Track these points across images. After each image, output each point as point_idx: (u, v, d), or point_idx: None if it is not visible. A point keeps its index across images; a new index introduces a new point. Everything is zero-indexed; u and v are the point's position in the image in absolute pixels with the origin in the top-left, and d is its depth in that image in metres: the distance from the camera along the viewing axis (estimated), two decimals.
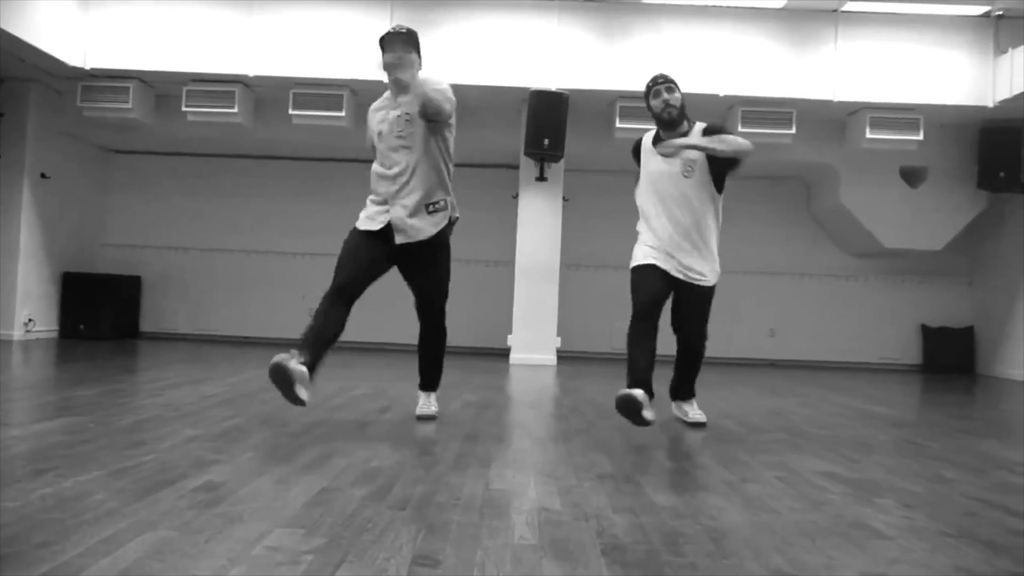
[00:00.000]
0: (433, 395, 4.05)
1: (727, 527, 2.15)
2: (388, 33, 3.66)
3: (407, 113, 3.66)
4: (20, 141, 7.75)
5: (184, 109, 7.51)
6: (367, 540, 1.89)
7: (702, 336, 3.98)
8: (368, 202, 3.86)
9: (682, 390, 4.15)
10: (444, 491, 2.41)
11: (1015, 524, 2.30)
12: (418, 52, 3.69)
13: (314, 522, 2.02)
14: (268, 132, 8.06)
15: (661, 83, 3.89)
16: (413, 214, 3.67)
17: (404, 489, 2.41)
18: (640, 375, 3.62)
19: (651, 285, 3.81)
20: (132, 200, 9.26)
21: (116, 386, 4.74)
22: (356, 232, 3.81)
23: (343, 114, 7.47)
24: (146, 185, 9.26)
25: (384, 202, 3.74)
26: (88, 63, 7.29)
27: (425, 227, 3.70)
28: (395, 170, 3.70)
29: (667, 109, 3.83)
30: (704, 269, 3.85)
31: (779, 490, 2.63)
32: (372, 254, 3.73)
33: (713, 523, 2.18)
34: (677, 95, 3.86)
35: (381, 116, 3.79)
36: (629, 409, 3.43)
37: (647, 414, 3.44)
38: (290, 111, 7.49)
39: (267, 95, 7.84)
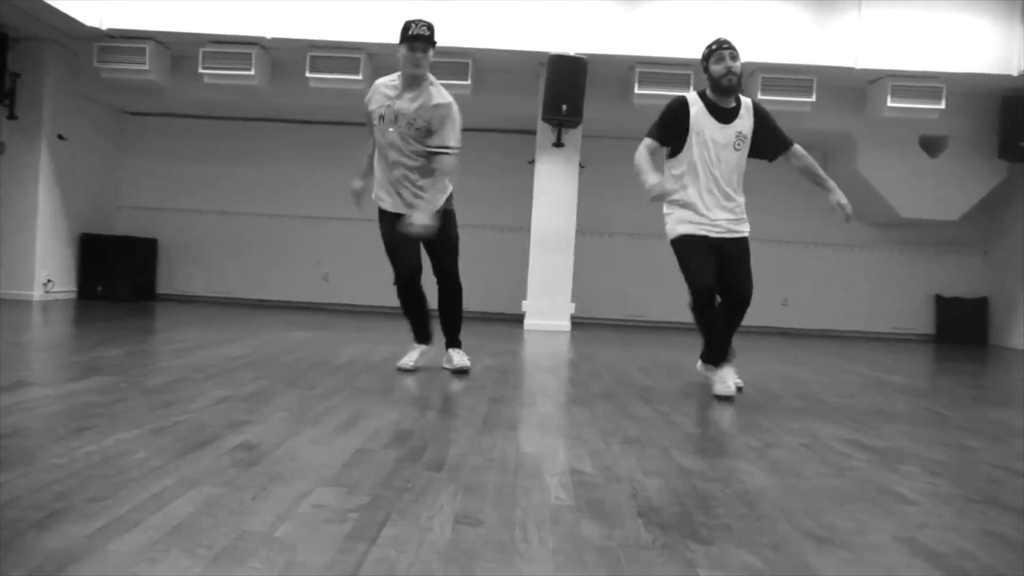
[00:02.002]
0: (461, 350, 4.39)
1: (756, 491, 2.19)
2: (416, 34, 3.90)
3: (416, 121, 3.96)
4: (37, 102, 7.75)
5: (201, 71, 7.49)
6: (408, 500, 1.94)
7: (751, 285, 4.04)
8: (379, 179, 4.19)
9: (725, 350, 4.07)
10: (476, 453, 2.46)
11: None
12: (434, 45, 4.00)
13: (355, 481, 2.07)
14: (285, 95, 8.04)
15: (726, 48, 3.84)
16: (417, 197, 4.05)
17: (438, 451, 2.46)
18: (723, 352, 4.03)
19: (706, 266, 3.87)
20: (148, 163, 9.27)
21: (139, 347, 4.81)
22: (383, 216, 4.17)
23: (360, 77, 7.44)
24: (162, 148, 9.27)
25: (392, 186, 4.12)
26: (104, 23, 7.26)
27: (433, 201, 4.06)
28: (398, 171, 4.06)
29: (728, 76, 3.81)
30: (742, 224, 4.03)
31: (804, 456, 2.67)
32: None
33: (742, 487, 2.22)
34: (739, 63, 3.85)
35: (386, 103, 4.04)
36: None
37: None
38: (307, 74, 7.47)
39: (284, 58, 7.80)
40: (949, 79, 7.35)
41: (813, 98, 7.41)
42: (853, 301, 9.09)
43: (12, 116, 7.63)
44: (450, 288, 4.28)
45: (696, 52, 7.23)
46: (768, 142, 4.00)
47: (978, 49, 7.23)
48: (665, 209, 4.05)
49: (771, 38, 7.25)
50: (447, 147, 3.99)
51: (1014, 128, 7.62)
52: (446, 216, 4.11)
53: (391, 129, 4.02)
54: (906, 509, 2.09)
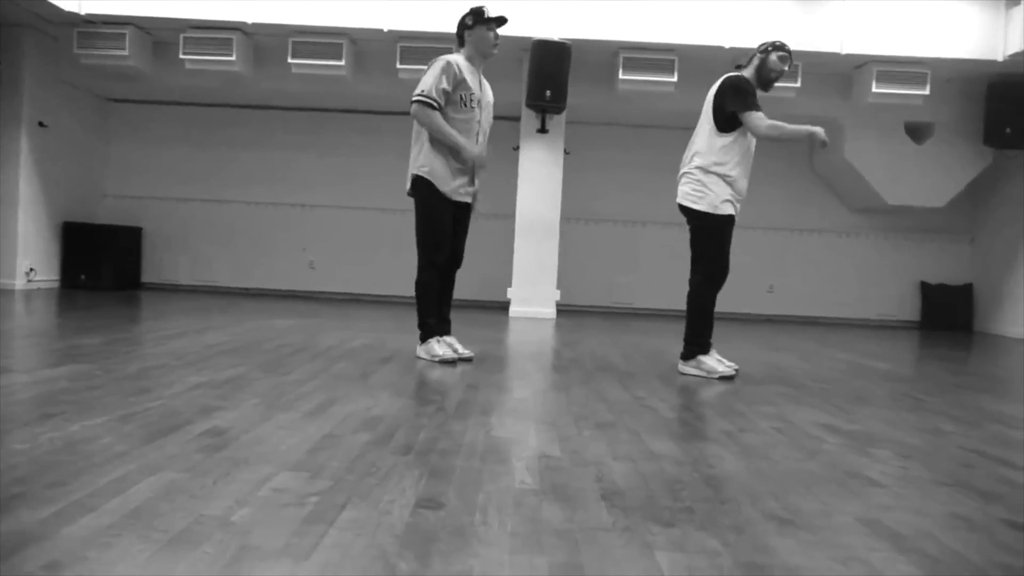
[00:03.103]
0: None
1: (724, 474, 2.18)
2: (499, 16, 4.19)
3: (488, 100, 4.26)
4: (17, 89, 7.67)
5: (182, 57, 7.42)
6: (371, 483, 1.92)
7: None
8: (448, 165, 4.13)
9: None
10: (446, 438, 2.45)
11: (1009, 474, 2.34)
12: None
13: (319, 466, 2.06)
14: (267, 81, 7.98)
15: (791, 54, 4.11)
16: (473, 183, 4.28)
17: (407, 435, 2.45)
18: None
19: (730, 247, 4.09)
20: (132, 150, 9.20)
21: (120, 335, 4.77)
22: (446, 204, 4.16)
23: (343, 63, 7.39)
24: (146, 135, 9.19)
25: (465, 171, 4.19)
26: (83, 8, 7.18)
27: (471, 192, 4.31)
28: (479, 144, 4.18)
29: (780, 77, 4.10)
30: None
31: (776, 440, 2.67)
32: (455, 225, 4.27)
33: (711, 471, 2.22)
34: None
35: (474, 83, 4.13)
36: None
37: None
38: (289, 60, 7.40)
39: (266, 43, 7.73)
40: (934, 64, 7.34)
41: (799, 83, 7.39)
42: (839, 288, 9.10)
43: None
44: (455, 272, 4.39)
45: (681, 38, 7.29)
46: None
47: (963, 34, 7.22)
48: (703, 178, 4.04)
49: (756, 24, 7.22)
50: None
51: (999, 114, 7.62)
52: (470, 211, 4.35)
53: (477, 109, 4.14)
54: (873, 492, 2.09)
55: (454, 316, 4.56)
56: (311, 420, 2.61)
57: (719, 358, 4.14)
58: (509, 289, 7.91)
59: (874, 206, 8.68)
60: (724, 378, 4.01)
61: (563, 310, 8.18)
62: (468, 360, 4.24)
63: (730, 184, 4.02)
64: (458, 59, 4.12)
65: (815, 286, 9.12)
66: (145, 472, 1.93)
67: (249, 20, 7.25)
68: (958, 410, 3.50)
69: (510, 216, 8.05)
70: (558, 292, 7.89)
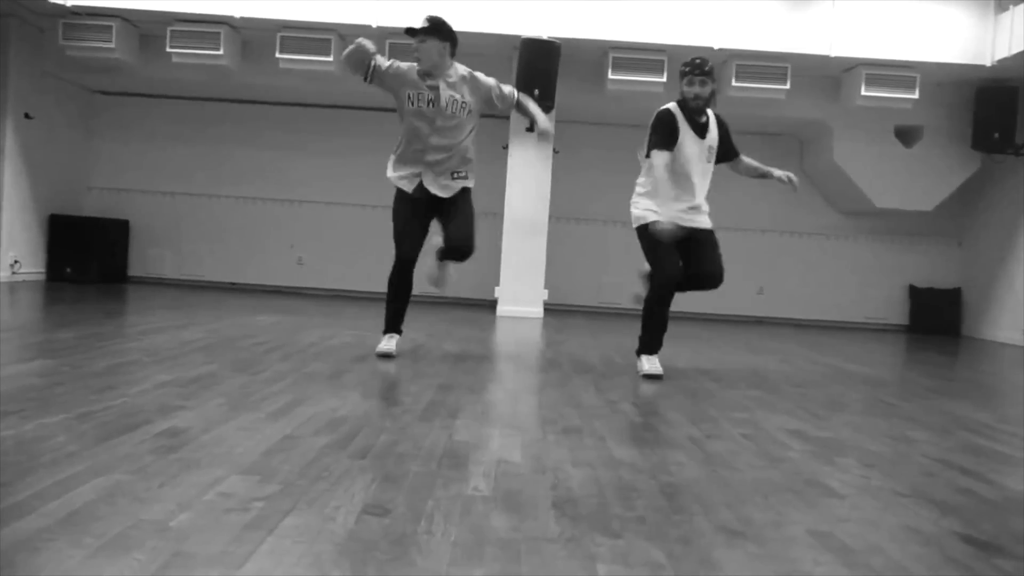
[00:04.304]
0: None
1: (682, 483, 2.17)
2: (410, 28, 4.18)
3: (461, 98, 4.17)
4: (2, 80, 7.62)
5: (169, 50, 7.38)
6: (320, 488, 1.90)
7: (721, 265, 4.27)
8: (399, 161, 4.27)
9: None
10: (407, 441, 2.43)
11: (969, 484, 2.33)
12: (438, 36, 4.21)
13: (271, 469, 2.04)
14: (255, 76, 7.94)
15: (698, 75, 4.09)
16: (440, 178, 4.25)
17: (367, 438, 2.43)
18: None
19: (674, 257, 4.13)
20: (118, 143, 9.15)
21: (97, 329, 4.74)
22: (403, 199, 4.25)
23: (331, 59, 7.35)
24: (132, 128, 9.14)
25: (414, 161, 4.23)
26: (69, 0, 7.13)
27: (451, 186, 4.29)
28: (437, 145, 4.19)
29: (697, 100, 4.11)
30: (706, 219, 4.31)
31: (742, 447, 2.65)
32: (421, 221, 4.28)
33: (669, 478, 2.20)
34: (708, 88, 4.12)
35: (416, 83, 4.15)
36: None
37: None
38: (277, 55, 7.37)
39: (254, 38, 7.70)
40: (923, 68, 7.33)
41: (788, 85, 7.38)
42: (828, 291, 9.09)
43: None
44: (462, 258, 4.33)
45: (671, 38, 7.27)
46: (726, 151, 4.36)
47: (952, 39, 7.21)
48: (633, 197, 4.35)
49: (745, 25, 7.20)
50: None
51: (988, 119, 7.62)
52: (464, 192, 4.34)
53: (447, 113, 4.19)
54: (831, 503, 2.07)
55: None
56: (273, 421, 2.58)
57: (658, 365, 4.19)
58: (497, 288, 7.89)
59: (863, 209, 8.67)
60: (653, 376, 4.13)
61: (551, 309, 8.16)
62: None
63: (654, 199, 4.18)
64: (407, 65, 4.24)
65: (804, 289, 9.11)
66: (92, 473, 1.90)
67: (237, 14, 7.21)
68: (930, 416, 3.48)
69: (499, 215, 8.02)
70: (546, 292, 7.87)
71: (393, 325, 4.36)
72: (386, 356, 4.21)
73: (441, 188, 4.25)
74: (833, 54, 7.25)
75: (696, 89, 4.08)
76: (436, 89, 4.14)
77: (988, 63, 7.17)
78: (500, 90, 4.31)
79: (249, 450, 2.21)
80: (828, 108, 7.99)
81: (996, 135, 7.56)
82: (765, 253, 9.08)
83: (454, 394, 3.30)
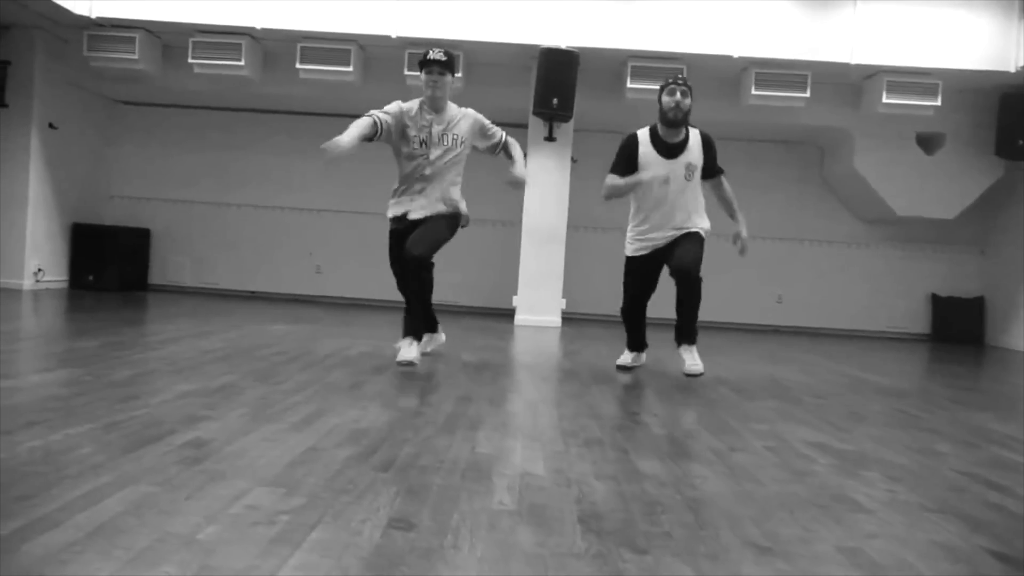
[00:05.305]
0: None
1: (707, 497, 2.15)
2: (425, 60, 4.25)
3: (454, 135, 4.35)
4: (27, 90, 7.72)
5: (191, 61, 7.45)
6: (345, 501, 1.90)
7: (691, 258, 4.28)
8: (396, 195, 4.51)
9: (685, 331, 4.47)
10: (429, 453, 2.43)
11: (998, 499, 2.30)
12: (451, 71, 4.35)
13: (296, 482, 2.04)
14: (275, 86, 7.99)
15: (680, 84, 4.19)
16: (429, 207, 4.39)
17: (390, 450, 2.43)
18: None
19: (641, 285, 4.51)
20: (139, 152, 9.24)
21: (118, 338, 4.78)
22: (393, 232, 4.52)
23: (351, 69, 7.40)
24: (154, 137, 9.23)
25: (404, 191, 4.45)
26: (93, 11, 7.22)
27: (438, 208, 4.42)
28: (428, 173, 4.35)
29: (676, 110, 4.16)
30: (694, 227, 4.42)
31: (766, 460, 2.63)
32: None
33: (694, 492, 2.18)
34: (688, 101, 4.19)
35: (419, 123, 4.32)
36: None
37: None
38: (297, 65, 7.42)
39: (274, 48, 7.75)
40: (945, 75, 7.27)
41: (808, 93, 7.34)
42: (848, 299, 9.01)
43: (3, 104, 7.59)
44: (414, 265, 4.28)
45: (690, 47, 7.26)
46: (708, 168, 4.40)
47: (974, 45, 7.15)
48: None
49: (765, 32, 7.17)
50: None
51: (1012, 126, 7.53)
52: (452, 217, 4.43)
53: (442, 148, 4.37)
54: (858, 518, 2.05)
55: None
56: (295, 432, 2.59)
57: (629, 359, 4.70)
58: (515, 297, 7.89)
59: (884, 217, 8.59)
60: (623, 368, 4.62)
61: (568, 318, 8.15)
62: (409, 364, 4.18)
63: (638, 229, 4.45)
64: (406, 105, 4.35)
65: (824, 297, 9.04)
66: (118, 485, 1.92)
67: (258, 25, 7.27)
68: (955, 428, 3.44)
69: (517, 224, 8.03)
70: (564, 300, 7.85)
71: (412, 329, 4.36)
72: (407, 364, 4.22)
73: (423, 210, 4.37)
74: (854, 61, 7.20)
75: (677, 99, 4.13)
76: (431, 124, 4.31)
77: (1012, 69, 7.09)
78: (491, 127, 4.49)
79: (273, 462, 2.22)
80: (849, 116, 7.93)
81: (1020, 142, 7.47)
82: (784, 261, 9.02)
83: (474, 405, 3.30)
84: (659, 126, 4.30)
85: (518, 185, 4.52)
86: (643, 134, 4.33)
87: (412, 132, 4.29)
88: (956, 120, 7.89)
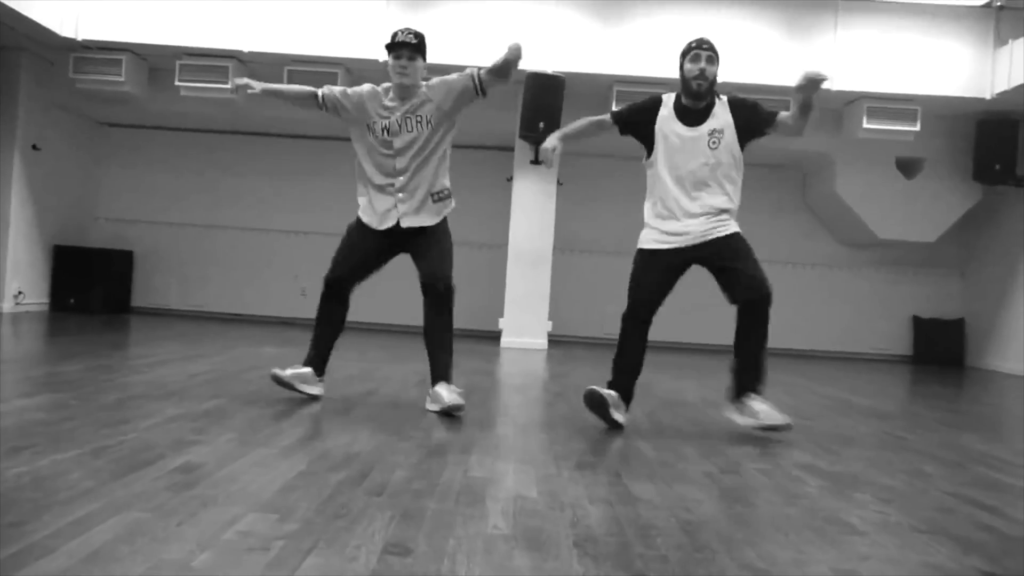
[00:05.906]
0: (451, 384, 3.75)
1: (702, 520, 2.15)
2: (393, 41, 3.70)
3: (418, 115, 3.73)
4: (11, 111, 7.69)
5: (177, 83, 7.45)
6: (340, 526, 1.89)
7: (760, 277, 3.74)
8: (367, 195, 3.91)
9: (746, 378, 3.68)
10: (422, 477, 2.42)
11: (988, 520, 2.32)
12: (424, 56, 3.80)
13: (289, 507, 2.02)
14: (262, 108, 7.98)
15: (705, 48, 3.60)
16: (420, 207, 3.81)
17: (382, 474, 2.41)
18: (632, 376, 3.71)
19: (653, 280, 3.73)
20: (125, 174, 9.20)
21: (103, 362, 4.74)
22: (364, 231, 3.93)
23: None
24: (139, 159, 9.20)
25: (390, 196, 3.83)
26: (80, 34, 7.22)
27: (430, 216, 3.85)
28: (400, 167, 3.79)
29: (701, 79, 3.54)
30: (725, 224, 3.71)
31: (758, 483, 2.64)
32: (377, 256, 3.96)
33: (688, 515, 2.18)
34: (715, 68, 3.60)
35: (381, 110, 3.75)
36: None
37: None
38: None
39: (261, 71, 7.73)
40: (924, 101, 7.41)
41: None
42: (831, 321, 9.09)
43: None
44: (438, 298, 3.80)
45: (675, 72, 7.32)
46: (754, 121, 3.69)
47: (953, 72, 7.30)
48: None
49: (748, 58, 7.28)
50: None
51: (988, 151, 7.68)
52: (440, 227, 3.90)
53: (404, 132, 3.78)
54: (851, 540, 2.06)
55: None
56: (286, 457, 2.57)
57: (616, 409, 3.55)
58: (501, 319, 7.89)
59: (865, 240, 8.70)
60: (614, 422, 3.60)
61: (555, 341, 8.15)
62: (455, 411, 3.54)
63: (653, 213, 3.80)
64: (380, 88, 3.83)
65: (807, 319, 9.10)
66: (110, 511, 1.89)
67: (245, 48, 7.30)
68: (942, 450, 3.47)
69: (503, 246, 8.05)
70: (550, 323, 7.87)
71: (315, 360, 3.92)
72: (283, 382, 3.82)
73: (418, 217, 3.83)
74: (835, 87, 7.31)
75: (702, 65, 3.53)
76: (391, 112, 3.76)
77: (988, 96, 7.24)
78: (453, 77, 3.88)
79: (264, 487, 2.20)
80: (830, 140, 8.04)
81: (997, 167, 7.62)
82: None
83: (465, 429, 3.29)
84: (682, 96, 3.67)
85: (513, 51, 3.80)
86: (668, 98, 3.71)
87: (374, 120, 3.76)
88: (935, 145, 8.02)
